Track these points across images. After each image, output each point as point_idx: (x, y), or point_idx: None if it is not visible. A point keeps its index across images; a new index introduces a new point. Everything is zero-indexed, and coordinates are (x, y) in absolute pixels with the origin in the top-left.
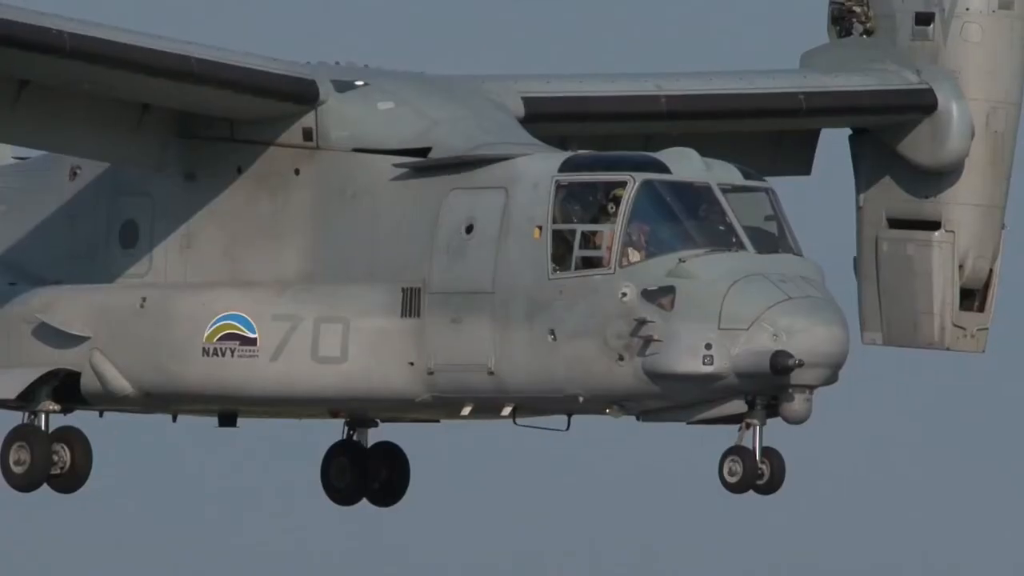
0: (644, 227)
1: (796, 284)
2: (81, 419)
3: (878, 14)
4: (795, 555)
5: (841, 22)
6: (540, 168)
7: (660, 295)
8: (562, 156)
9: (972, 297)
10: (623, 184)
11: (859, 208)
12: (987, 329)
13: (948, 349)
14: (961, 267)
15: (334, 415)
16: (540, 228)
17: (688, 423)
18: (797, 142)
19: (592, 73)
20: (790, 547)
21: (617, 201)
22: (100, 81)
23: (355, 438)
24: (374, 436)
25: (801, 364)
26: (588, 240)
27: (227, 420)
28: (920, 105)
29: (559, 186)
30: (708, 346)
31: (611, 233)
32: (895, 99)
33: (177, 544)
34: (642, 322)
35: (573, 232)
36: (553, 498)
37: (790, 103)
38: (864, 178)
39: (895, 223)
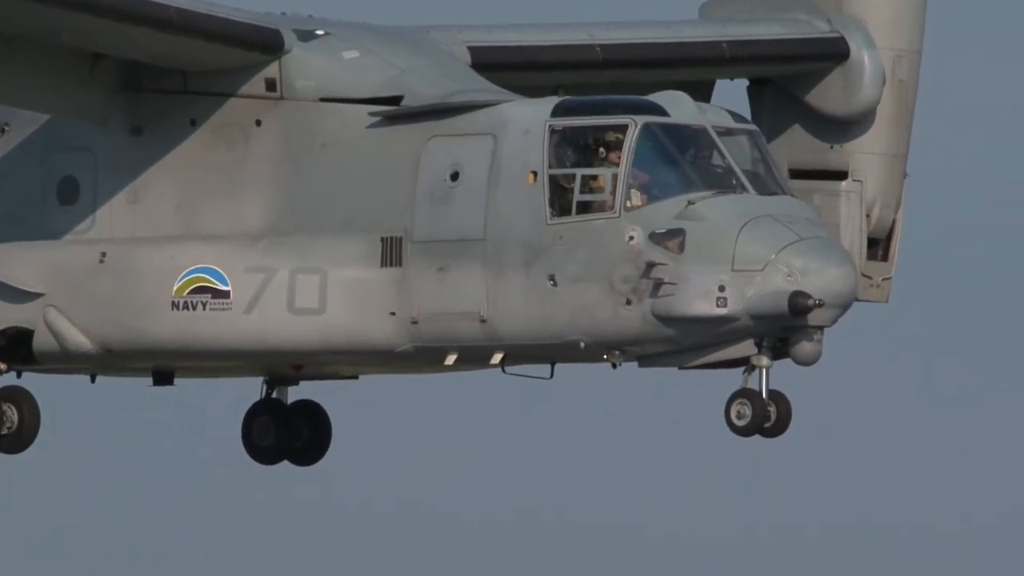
0: (647, 170)
1: (804, 225)
2: None
3: None
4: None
5: None
6: (530, 113)
7: (668, 238)
8: (552, 101)
9: (876, 247)
10: (623, 127)
11: None
12: (891, 278)
13: (856, 299)
14: (868, 216)
15: (296, 368)
16: (535, 173)
17: (683, 368)
18: (693, 92)
19: (528, 23)
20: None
21: (618, 145)
22: (80, 31)
23: (275, 396)
24: (293, 394)
25: (821, 304)
26: (588, 184)
27: (163, 378)
28: (833, 54)
29: (553, 131)
30: (721, 288)
31: (614, 176)
32: (810, 48)
33: (118, 510)
34: (652, 265)
35: (571, 177)
36: (527, 453)
37: (715, 52)
38: (764, 129)
39: (798, 173)
